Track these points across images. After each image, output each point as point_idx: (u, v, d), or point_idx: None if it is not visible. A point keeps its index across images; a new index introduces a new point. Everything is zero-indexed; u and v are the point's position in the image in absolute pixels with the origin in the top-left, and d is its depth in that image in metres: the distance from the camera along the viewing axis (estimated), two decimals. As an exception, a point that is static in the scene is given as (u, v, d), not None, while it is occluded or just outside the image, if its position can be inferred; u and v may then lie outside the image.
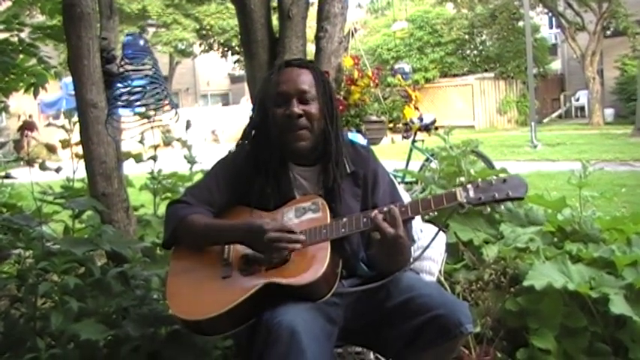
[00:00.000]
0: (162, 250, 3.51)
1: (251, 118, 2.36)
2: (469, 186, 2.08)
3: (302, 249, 2.10)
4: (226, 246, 2.21)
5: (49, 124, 3.79)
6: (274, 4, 3.92)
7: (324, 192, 2.28)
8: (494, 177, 2.09)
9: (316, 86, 2.25)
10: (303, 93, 2.22)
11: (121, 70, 3.63)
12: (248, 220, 2.20)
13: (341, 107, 4.20)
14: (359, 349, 2.45)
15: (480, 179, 2.14)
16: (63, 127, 3.47)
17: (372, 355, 2.46)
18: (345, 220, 2.14)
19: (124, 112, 3.71)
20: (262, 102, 2.29)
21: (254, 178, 2.26)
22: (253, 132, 2.33)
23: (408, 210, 2.09)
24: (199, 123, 16.33)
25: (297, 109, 2.21)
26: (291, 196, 2.27)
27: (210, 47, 30.49)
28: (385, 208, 2.09)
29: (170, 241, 2.31)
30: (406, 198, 2.74)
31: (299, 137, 2.23)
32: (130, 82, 3.63)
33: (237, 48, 28.52)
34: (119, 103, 3.62)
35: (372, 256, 2.27)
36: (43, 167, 3.40)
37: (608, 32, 24.26)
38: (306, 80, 2.24)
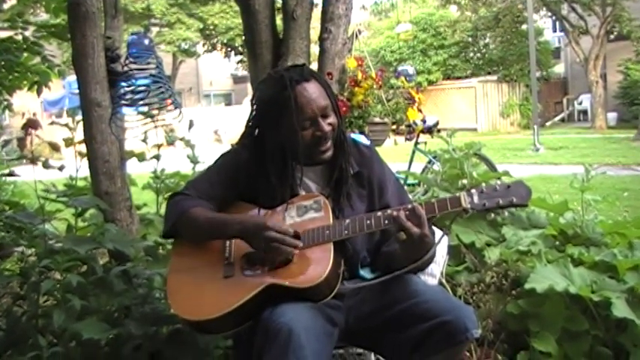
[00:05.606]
0: (165, 249, 3.52)
1: (250, 122, 2.31)
2: (473, 191, 2.06)
3: (305, 249, 2.10)
4: (227, 244, 2.20)
5: (52, 123, 3.79)
6: (278, 5, 3.92)
7: (331, 192, 2.27)
8: (499, 182, 2.08)
9: (327, 95, 2.23)
10: (324, 109, 2.20)
11: (126, 69, 3.65)
12: (249, 216, 2.20)
13: (344, 109, 4.20)
14: (360, 350, 2.44)
15: (483, 184, 2.13)
16: (66, 125, 3.47)
17: (373, 357, 2.46)
18: (348, 221, 2.12)
19: (128, 111, 3.72)
20: (281, 118, 2.18)
21: (258, 177, 2.25)
22: (256, 132, 2.29)
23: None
24: (202, 123, 16.37)
25: (327, 126, 2.19)
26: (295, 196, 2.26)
27: (214, 47, 30.53)
28: (409, 206, 2.07)
29: (170, 233, 2.32)
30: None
31: (327, 149, 2.22)
32: (134, 81, 3.65)
33: (240, 48, 28.60)
34: (123, 102, 3.64)
35: (392, 255, 2.23)
36: (46, 165, 3.40)
37: (612, 36, 24.25)
38: (320, 94, 2.20)
